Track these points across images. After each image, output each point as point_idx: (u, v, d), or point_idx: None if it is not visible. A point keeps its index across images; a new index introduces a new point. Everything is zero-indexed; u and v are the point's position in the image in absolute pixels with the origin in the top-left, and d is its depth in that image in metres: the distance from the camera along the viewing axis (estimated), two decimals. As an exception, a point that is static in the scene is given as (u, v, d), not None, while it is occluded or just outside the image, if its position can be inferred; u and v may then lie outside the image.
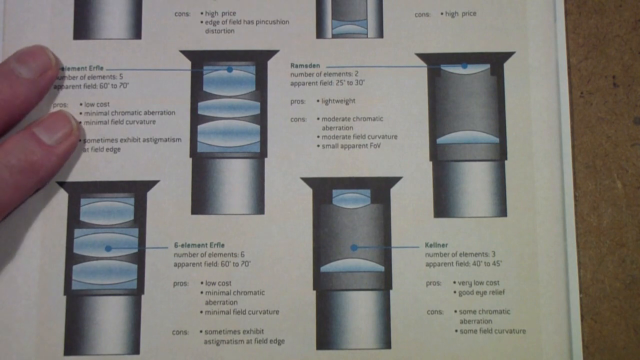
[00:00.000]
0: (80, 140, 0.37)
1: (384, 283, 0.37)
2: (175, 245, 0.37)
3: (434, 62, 0.38)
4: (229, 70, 0.38)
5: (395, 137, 0.38)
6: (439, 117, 0.38)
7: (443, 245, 0.37)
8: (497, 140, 0.38)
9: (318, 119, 0.38)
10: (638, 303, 0.37)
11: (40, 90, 0.36)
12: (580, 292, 0.37)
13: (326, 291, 0.37)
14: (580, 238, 0.37)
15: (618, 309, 0.36)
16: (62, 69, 0.38)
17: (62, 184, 0.37)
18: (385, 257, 0.37)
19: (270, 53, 0.38)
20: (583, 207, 0.37)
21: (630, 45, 0.38)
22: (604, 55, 0.38)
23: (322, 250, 0.37)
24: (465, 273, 0.37)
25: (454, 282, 0.37)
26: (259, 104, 0.38)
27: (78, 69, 0.38)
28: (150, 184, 0.37)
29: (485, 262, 0.37)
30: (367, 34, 0.39)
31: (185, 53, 0.38)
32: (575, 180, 0.37)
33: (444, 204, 0.37)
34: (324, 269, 0.37)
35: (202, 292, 0.36)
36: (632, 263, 0.37)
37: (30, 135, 0.35)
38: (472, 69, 0.38)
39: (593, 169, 0.37)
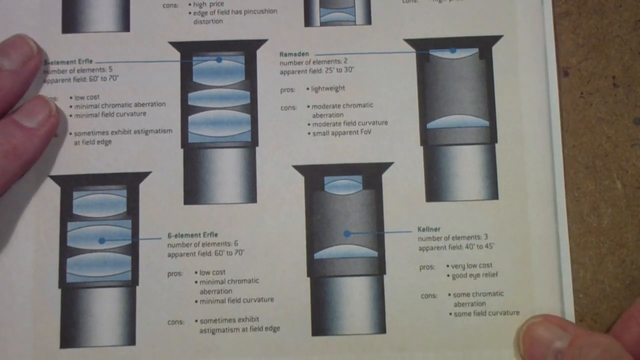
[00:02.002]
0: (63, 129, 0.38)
1: (378, 268, 0.37)
2: (169, 236, 0.37)
3: (423, 48, 0.38)
4: (219, 60, 0.38)
5: (386, 122, 0.38)
6: (429, 102, 0.38)
7: (435, 229, 0.37)
8: (487, 123, 0.38)
9: (308, 106, 0.38)
10: (638, 304, 0.37)
11: (25, 80, 0.36)
12: (580, 292, 0.37)
13: (320, 278, 0.37)
14: (581, 238, 0.37)
15: (618, 309, 0.37)
16: (51, 62, 0.38)
17: (54, 178, 0.37)
18: (378, 243, 0.37)
19: (259, 42, 0.38)
20: (583, 207, 0.37)
21: (630, 45, 0.38)
22: (604, 56, 0.38)
23: (315, 237, 0.37)
24: (458, 256, 0.37)
25: (447, 266, 0.37)
26: (249, 93, 0.38)
27: (67, 62, 0.38)
28: (142, 175, 0.37)
29: (477, 245, 0.37)
30: (355, 21, 0.39)
31: (174, 44, 0.38)
32: (575, 180, 0.37)
33: (435, 188, 0.37)
34: (318, 255, 0.37)
35: (196, 282, 0.37)
36: (632, 263, 0.37)
37: (11, 121, 0.35)
38: (461, 54, 0.38)
39: (593, 169, 0.37)
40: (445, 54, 0.38)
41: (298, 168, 0.38)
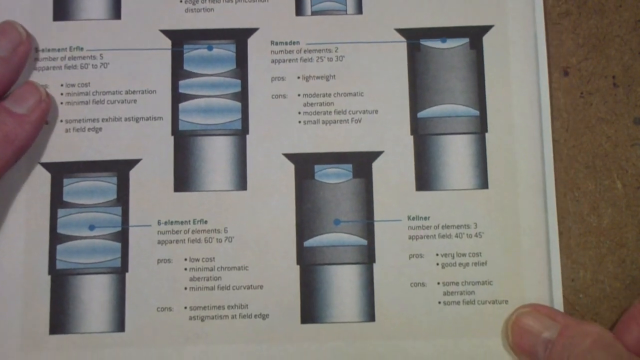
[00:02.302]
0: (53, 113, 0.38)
1: (367, 257, 0.37)
2: (159, 223, 0.37)
3: (414, 37, 0.39)
4: (209, 48, 0.38)
5: (376, 112, 0.38)
6: (419, 91, 0.38)
7: (425, 218, 0.37)
8: (477, 113, 0.38)
9: (299, 95, 0.38)
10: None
11: (15, 67, 0.36)
12: (580, 292, 0.37)
13: (310, 266, 0.37)
14: (580, 238, 0.37)
15: (618, 309, 0.37)
16: (42, 50, 0.38)
17: (44, 165, 0.37)
18: (368, 231, 0.37)
19: (250, 31, 0.39)
20: (583, 207, 0.37)
21: (630, 45, 0.38)
22: (604, 55, 0.38)
23: (305, 225, 0.37)
24: (448, 245, 0.37)
25: (437, 255, 0.37)
26: (239, 81, 0.38)
27: (58, 50, 0.38)
28: (133, 162, 0.37)
29: (467, 234, 0.37)
30: (346, 10, 0.39)
31: (166, 32, 0.38)
32: (575, 180, 0.37)
33: (425, 177, 0.38)
34: (307, 243, 0.37)
35: (186, 269, 0.37)
36: (632, 263, 0.37)
37: (1, 108, 0.35)
38: (452, 43, 0.39)
39: (593, 169, 0.37)
40: (436, 44, 0.39)
41: (288, 156, 0.38)
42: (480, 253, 0.37)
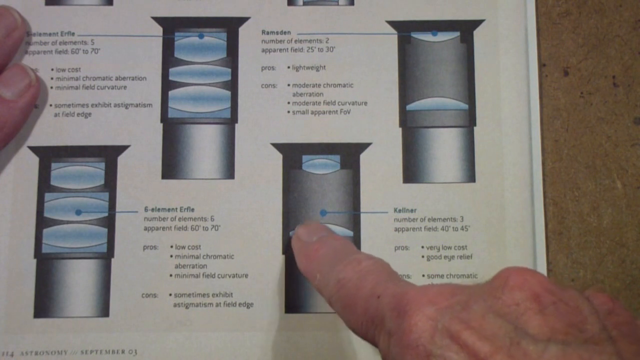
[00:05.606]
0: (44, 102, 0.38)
1: (353, 248, 0.37)
2: (146, 210, 0.37)
3: (405, 30, 0.39)
4: (200, 36, 0.38)
5: (365, 103, 0.38)
6: (409, 84, 0.38)
7: (412, 211, 0.37)
8: (466, 107, 0.38)
9: (288, 85, 0.38)
10: (638, 303, 0.37)
11: (8, 51, 0.36)
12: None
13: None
14: (581, 238, 0.37)
15: None
16: (34, 34, 0.38)
17: (32, 148, 0.37)
18: (354, 222, 0.37)
19: (242, 20, 0.39)
20: (583, 207, 0.37)
21: (630, 45, 0.38)
22: (604, 55, 0.38)
23: (292, 215, 0.37)
24: (434, 238, 0.37)
25: (422, 247, 0.37)
26: (229, 70, 0.38)
27: (50, 34, 0.38)
28: (121, 148, 0.37)
29: (453, 227, 0.37)
30: (338, 1, 0.39)
31: (157, 19, 0.38)
32: (575, 180, 0.37)
33: (413, 169, 0.38)
34: (293, 233, 0.37)
35: (171, 256, 0.37)
36: (632, 263, 0.37)
37: None
38: (442, 37, 0.39)
39: (593, 169, 0.37)
40: (426, 37, 0.39)
41: (276, 146, 0.38)
42: (465, 246, 0.37)
